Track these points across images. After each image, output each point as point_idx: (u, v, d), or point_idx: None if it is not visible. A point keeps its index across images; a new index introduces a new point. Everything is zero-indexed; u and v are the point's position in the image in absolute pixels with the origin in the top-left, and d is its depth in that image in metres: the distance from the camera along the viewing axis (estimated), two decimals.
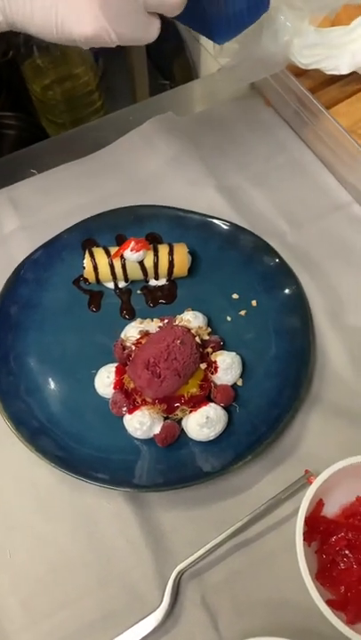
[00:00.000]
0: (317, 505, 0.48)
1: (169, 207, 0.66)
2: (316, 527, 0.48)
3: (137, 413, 0.52)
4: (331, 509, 0.49)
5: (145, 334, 0.56)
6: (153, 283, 0.62)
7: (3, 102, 1.19)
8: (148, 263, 0.60)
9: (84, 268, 0.60)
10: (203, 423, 0.51)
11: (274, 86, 0.71)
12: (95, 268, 0.59)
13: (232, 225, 0.64)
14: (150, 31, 0.43)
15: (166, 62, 0.67)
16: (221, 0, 0.47)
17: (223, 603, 0.48)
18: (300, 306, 0.59)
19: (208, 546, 0.48)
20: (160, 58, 0.66)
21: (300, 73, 0.69)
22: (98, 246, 0.62)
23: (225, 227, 0.64)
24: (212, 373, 0.54)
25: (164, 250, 0.60)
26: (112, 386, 0.54)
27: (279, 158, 0.72)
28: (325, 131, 0.66)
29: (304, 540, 0.45)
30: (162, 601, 0.47)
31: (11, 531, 0.51)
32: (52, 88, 0.92)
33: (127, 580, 0.49)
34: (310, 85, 0.69)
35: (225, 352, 0.56)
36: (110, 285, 0.62)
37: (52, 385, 0.56)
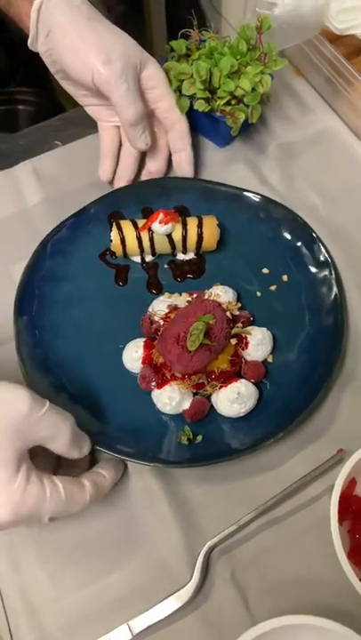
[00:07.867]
0: (350, 484, 0.47)
1: (197, 179, 0.64)
2: (349, 506, 0.47)
3: (166, 388, 0.51)
4: None
5: (174, 309, 0.55)
6: (180, 257, 0.61)
7: (21, 79, 1.17)
8: (177, 236, 0.58)
9: (110, 241, 0.59)
10: (234, 399, 0.51)
11: (306, 53, 0.68)
12: (123, 240, 0.58)
13: (262, 197, 0.62)
14: None
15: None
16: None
17: (253, 580, 0.48)
18: (332, 281, 0.58)
19: (240, 522, 0.47)
20: (179, 26, 0.65)
21: (333, 39, 0.67)
22: (124, 219, 0.61)
23: (255, 199, 0.62)
24: (243, 349, 0.53)
25: (193, 222, 0.58)
26: (140, 360, 0.53)
27: (310, 129, 0.70)
28: None
29: None
30: (191, 577, 0.47)
31: None
32: None
33: (156, 556, 0.49)
34: (344, 53, 0.67)
35: (255, 327, 0.55)
36: (137, 259, 0.61)
37: (79, 359, 0.56)
